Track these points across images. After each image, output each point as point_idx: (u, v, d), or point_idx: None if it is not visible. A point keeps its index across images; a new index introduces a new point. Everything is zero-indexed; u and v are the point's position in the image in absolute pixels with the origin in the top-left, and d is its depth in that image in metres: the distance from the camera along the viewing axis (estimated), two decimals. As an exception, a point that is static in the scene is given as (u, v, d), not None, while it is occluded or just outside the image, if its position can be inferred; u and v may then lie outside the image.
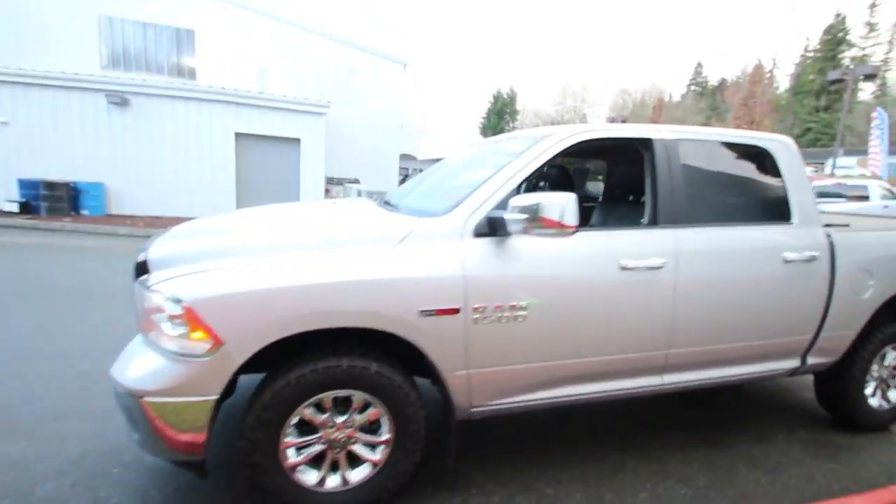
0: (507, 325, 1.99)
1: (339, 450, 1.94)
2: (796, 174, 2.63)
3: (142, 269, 1.90)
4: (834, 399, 2.98)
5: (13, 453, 2.32)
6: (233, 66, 14.33)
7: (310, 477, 1.92)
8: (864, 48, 59.22)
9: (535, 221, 1.85)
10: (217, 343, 1.70)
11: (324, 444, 1.92)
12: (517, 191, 2.11)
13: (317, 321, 1.78)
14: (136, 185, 11.88)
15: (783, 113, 54.43)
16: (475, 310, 1.93)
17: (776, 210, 2.58)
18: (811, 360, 2.71)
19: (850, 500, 2.24)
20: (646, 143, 2.37)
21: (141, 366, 1.80)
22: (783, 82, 68.16)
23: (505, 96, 75.21)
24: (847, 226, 2.81)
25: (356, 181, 16.86)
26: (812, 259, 2.52)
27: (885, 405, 2.97)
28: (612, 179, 3.32)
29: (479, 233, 1.99)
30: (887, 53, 61.04)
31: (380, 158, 17.49)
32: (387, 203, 2.61)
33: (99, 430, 2.56)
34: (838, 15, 57.54)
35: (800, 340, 2.63)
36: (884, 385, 2.97)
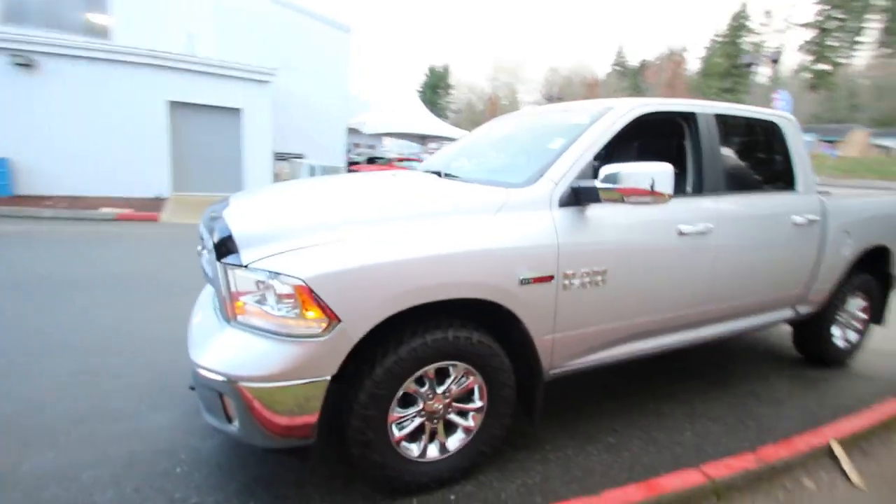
0: (589, 290, 2.09)
1: (438, 420, 1.97)
2: (799, 147, 2.96)
3: (224, 247, 1.74)
4: (810, 342, 3.46)
5: (46, 464, 2.06)
6: (155, 28, 12.76)
7: (413, 449, 1.93)
8: (760, 34, 65.73)
9: (627, 190, 1.94)
10: (333, 321, 1.63)
11: (423, 415, 1.93)
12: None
13: (431, 294, 1.76)
14: (49, 160, 10.38)
15: (694, 93, 59.20)
16: (565, 276, 2.01)
17: (785, 179, 2.90)
18: (801, 310, 3.12)
19: (843, 421, 2.65)
20: (689, 117, 2.54)
21: (238, 351, 1.68)
22: (693, 65, 74.02)
23: (439, 70, 74.44)
24: (829, 193, 3.23)
25: (300, 156, 16.04)
26: (812, 222, 2.88)
27: (846, 345, 3.51)
28: (654, 151, 3.50)
29: (564, 202, 2.06)
30: (781, 40, 68.04)
31: (325, 132, 16.69)
32: (446, 175, 2.57)
33: (132, 430, 2.35)
34: (744, 3, 63.22)
35: (798, 294, 3.01)
36: (846, 328, 3.50)
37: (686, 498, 1.97)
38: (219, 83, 11.59)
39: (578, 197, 2.07)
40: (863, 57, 61.88)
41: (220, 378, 1.66)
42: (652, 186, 1.92)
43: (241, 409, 1.66)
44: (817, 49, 58.66)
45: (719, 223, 2.48)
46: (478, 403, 2.02)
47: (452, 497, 1.97)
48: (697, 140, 2.51)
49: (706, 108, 2.59)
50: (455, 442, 2.01)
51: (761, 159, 2.97)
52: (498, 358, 1.97)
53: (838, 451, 2.27)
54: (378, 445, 1.82)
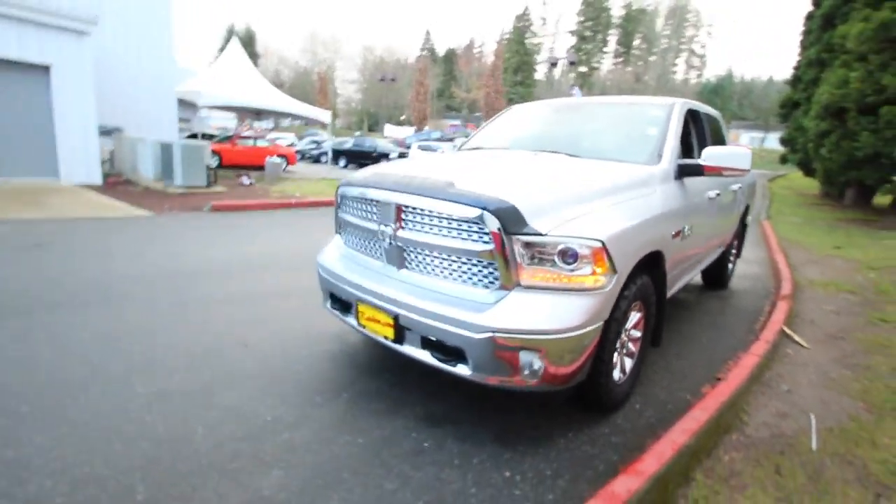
0: (690, 236, 2.89)
1: (623, 349, 2.50)
2: (725, 134, 4.30)
3: (507, 219, 1.90)
4: (715, 274, 5.01)
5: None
6: None
7: (616, 373, 2.43)
8: (540, 36, 78.09)
9: (725, 168, 2.75)
10: (614, 273, 2.02)
11: (619, 345, 2.44)
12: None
13: (646, 248, 2.28)
14: None
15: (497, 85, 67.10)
16: (683, 230, 2.75)
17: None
18: (722, 248, 4.58)
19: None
20: (696, 114, 3.51)
21: (537, 310, 1.92)
22: (490, 58, 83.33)
23: (242, 36, 66.25)
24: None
25: (117, 130, 13.00)
26: (738, 189, 4.26)
27: (730, 271, 5.22)
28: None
29: (675, 176, 2.77)
30: (553, 43, 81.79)
31: (150, 101, 13.78)
32: (567, 154, 2.94)
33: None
34: (526, 8, 73.80)
35: (728, 236, 4.42)
36: (731, 261, 5.19)
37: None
38: (13, 30, 8.52)
39: (682, 171, 2.81)
40: (607, 63, 79.57)
41: (521, 336, 1.88)
42: (743, 164, 2.78)
43: (532, 362, 1.92)
44: (581, 54, 72.72)
45: (720, 191, 3.56)
46: (639, 334, 2.62)
47: (637, 406, 2.55)
48: (703, 130, 3.52)
49: (701, 107, 3.62)
50: (628, 366, 2.58)
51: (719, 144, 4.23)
52: (651, 293, 2.59)
53: (787, 330, 3.64)
54: (609, 372, 2.28)
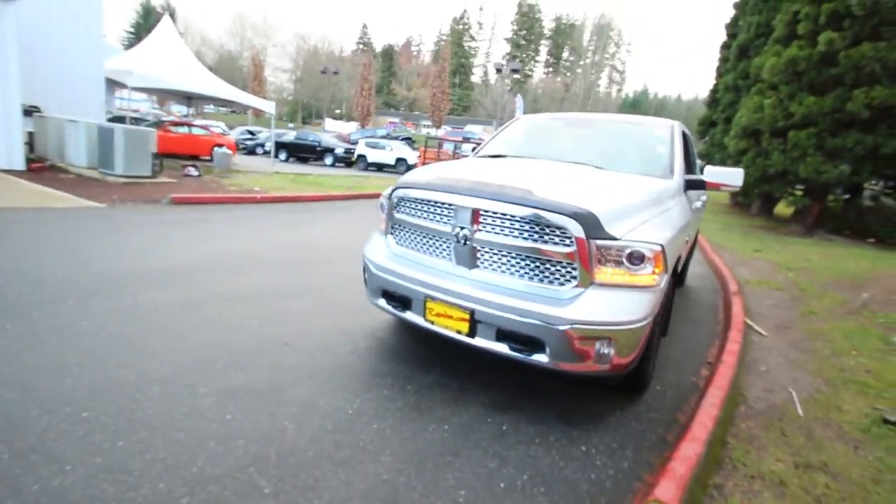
0: (687, 241, 3.36)
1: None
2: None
3: (592, 225, 2.17)
4: (679, 274, 5.67)
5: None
6: None
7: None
8: (478, 41, 79.97)
9: (721, 184, 3.24)
10: (665, 273, 2.37)
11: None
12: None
13: (678, 252, 2.66)
14: None
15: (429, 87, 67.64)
16: (688, 236, 3.20)
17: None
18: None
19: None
20: (684, 133, 4.03)
21: (611, 305, 2.22)
22: (427, 57, 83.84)
23: (159, 10, 60.54)
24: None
25: (35, 109, 11.54)
26: (705, 199, 4.90)
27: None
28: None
29: (683, 189, 3.21)
30: (489, 48, 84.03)
31: (74, 79, 12.34)
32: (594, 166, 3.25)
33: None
34: (464, 11, 75.30)
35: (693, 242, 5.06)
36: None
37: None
38: None
39: (688, 185, 3.26)
40: (538, 72, 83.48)
41: (599, 327, 2.17)
42: (736, 182, 3.28)
43: (604, 351, 2.22)
44: (516, 61, 75.59)
45: (701, 202, 4.12)
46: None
47: (658, 388, 2.95)
48: (689, 147, 4.04)
49: (684, 127, 4.15)
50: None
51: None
52: (669, 290, 3.01)
53: (749, 321, 4.29)
54: (650, 358, 2.64)
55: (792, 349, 3.86)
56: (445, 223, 2.53)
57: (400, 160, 21.25)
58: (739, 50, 13.50)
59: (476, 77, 77.77)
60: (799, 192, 10.99)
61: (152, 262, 4.46)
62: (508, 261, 2.38)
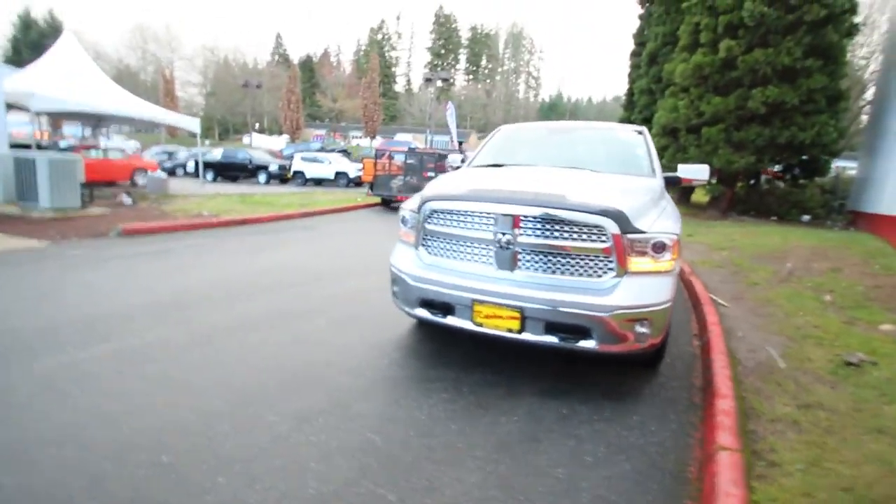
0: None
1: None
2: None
3: (624, 222, 2.49)
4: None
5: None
6: None
7: (659, 337, 3.18)
8: (398, 50, 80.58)
9: (694, 179, 3.72)
10: (679, 259, 2.74)
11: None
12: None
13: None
14: None
15: (355, 97, 67.00)
16: (675, 226, 3.66)
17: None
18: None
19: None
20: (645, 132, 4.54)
21: (644, 290, 2.54)
22: (348, 67, 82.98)
23: (42, 23, 54.12)
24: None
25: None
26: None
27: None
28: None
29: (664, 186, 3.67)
30: (409, 58, 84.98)
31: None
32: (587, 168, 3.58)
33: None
34: (382, 21, 75.57)
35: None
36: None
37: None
38: None
39: (667, 182, 3.71)
40: (459, 79, 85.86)
41: (639, 310, 2.49)
42: (704, 177, 3.78)
43: (643, 331, 2.54)
44: (438, 69, 77.13)
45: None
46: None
47: (667, 360, 3.35)
48: (649, 148, 4.56)
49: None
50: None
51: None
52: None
53: (713, 296, 4.91)
54: (668, 335, 3.01)
55: (752, 316, 4.49)
56: (486, 230, 2.72)
57: (340, 174, 20.87)
58: (650, 57, 15.02)
59: (399, 86, 78.39)
60: (714, 181, 12.43)
61: (135, 298, 4.18)
62: (549, 260, 2.62)
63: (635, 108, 16.42)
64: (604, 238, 2.52)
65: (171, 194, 12.04)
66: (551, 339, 2.58)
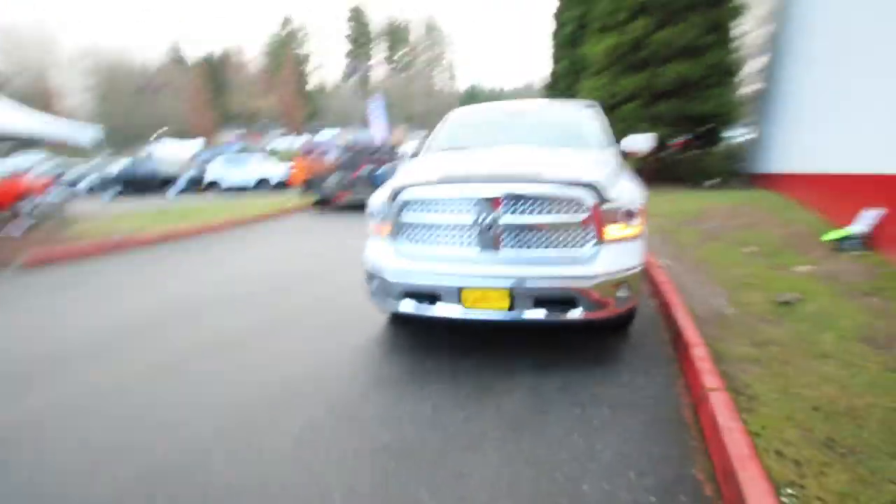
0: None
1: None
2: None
3: (600, 194, 2.62)
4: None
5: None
6: None
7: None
8: (311, 44, 77.13)
9: (637, 151, 3.97)
10: (645, 222, 2.94)
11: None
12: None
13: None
14: None
15: (270, 95, 63.50)
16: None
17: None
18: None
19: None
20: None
21: (623, 255, 2.70)
22: (259, 65, 78.16)
23: None
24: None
25: None
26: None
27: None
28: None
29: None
30: (322, 52, 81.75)
31: None
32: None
33: None
34: (286, 18, 71.88)
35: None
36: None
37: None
38: None
39: (624, 155, 3.93)
40: (378, 70, 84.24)
41: (620, 274, 2.64)
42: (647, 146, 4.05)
43: (623, 294, 2.70)
44: (364, 63, 74.82)
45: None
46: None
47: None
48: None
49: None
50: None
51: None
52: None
53: (657, 260, 5.31)
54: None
55: (694, 272, 4.93)
56: (466, 214, 2.72)
57: (263, 179, 19.71)
58: (569, 40, 15.72)
59: (314, 81, 75.40)
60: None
61: (80, 334, 3.71)
62: (532, 236, 2.69)
63: (559, 88, 17.14)
64: (583, 210, 2.63)
65: (70, 218, 10.67)
66: (539, 315, 2.66)
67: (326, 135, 42.15)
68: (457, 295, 2.72)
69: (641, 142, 4.02)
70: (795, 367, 2.60)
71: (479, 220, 2.69)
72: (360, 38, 76.84)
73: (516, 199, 2.65)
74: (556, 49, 17.82)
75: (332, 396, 2.58)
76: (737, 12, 11.38)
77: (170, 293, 4.76)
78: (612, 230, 2.70)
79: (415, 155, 4.39)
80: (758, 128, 12.36)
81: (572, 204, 2.63)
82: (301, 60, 48.85)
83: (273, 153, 23.86)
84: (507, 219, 2.67)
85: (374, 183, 11.75)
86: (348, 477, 1.90)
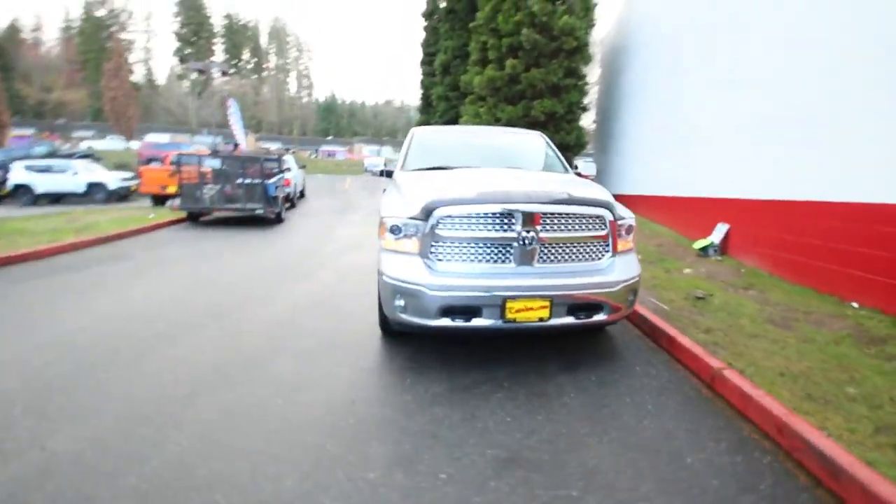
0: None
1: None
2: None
3: (614, 212, 3.05)
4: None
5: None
6: None
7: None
8: (130, 31, 65.90)
9: (586, 174, 4.61)
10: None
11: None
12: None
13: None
14: None
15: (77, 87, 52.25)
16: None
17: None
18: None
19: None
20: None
21: (631, 265, 3.18)
22: (56, 49, 63.85)
23: None
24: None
25: None
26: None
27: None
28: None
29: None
30: (148, 42, 70.99)
31: None
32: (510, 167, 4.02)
33: None
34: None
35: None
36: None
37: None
38: None
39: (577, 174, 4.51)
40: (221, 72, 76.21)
41: (632, 281, 3.12)
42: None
43: (632, 298, 3.19)
44: (191, 59, 66.50)
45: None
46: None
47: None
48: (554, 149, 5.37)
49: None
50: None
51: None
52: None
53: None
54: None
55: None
56: (506, 230, 2.88)
57: (95, 186, 16.20)
58: (443, 67, 16.76)
59: (139, 75, 64.35)
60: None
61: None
62: (564, 250, 2.99)
63: (435, 113, 18.06)
64: (604, 226, 3.03)
65: None
66: (571, 320, 2.96)
67: (156, 139, 36.58)
68: (500, 308, 2.85)
69: (590, 167, 4.69)
70: (745, 347, 3.38)
71: (520, 236, 2.88)
72: (196, 32, 68.73)
73: (553, 217, 2.92)
74: (427, 76, 18.82)
75: (346, 427, 2.45)
76: (587, 60, 13.67)
77: (157, 300, 3.73)
78: (621, 243, 3.17)
79: (389, 173, 4.34)
80: (599, 157, 14.92)
81: (597, 221, 3.01)
82: (121, 51, 41.13)
83: (96, 158, 19.59)
84: (545, 234, 2.92)
85: (267, 194, 10.73)
86: None
